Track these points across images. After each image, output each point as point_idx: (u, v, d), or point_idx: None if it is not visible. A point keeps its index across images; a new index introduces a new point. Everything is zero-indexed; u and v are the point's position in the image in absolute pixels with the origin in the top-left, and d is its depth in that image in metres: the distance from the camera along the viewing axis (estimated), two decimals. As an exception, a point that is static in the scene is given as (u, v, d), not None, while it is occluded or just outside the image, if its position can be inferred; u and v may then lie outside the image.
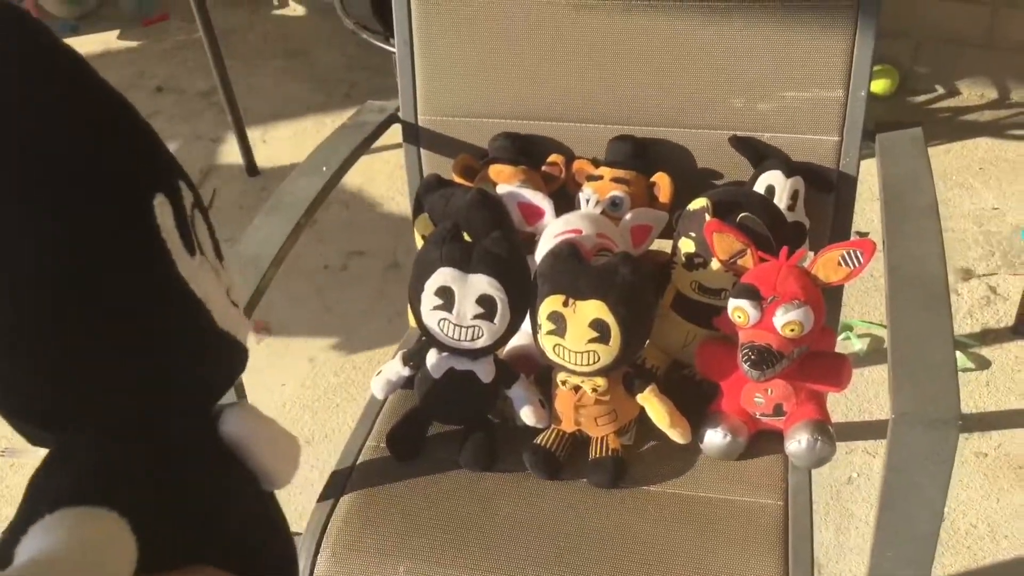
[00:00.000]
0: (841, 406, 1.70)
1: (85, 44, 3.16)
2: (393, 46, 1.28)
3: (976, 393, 1.72)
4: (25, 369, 0.49)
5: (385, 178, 2.41)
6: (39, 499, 0.50)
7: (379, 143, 1.29)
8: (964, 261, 1.98)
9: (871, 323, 1.85)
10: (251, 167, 2.47)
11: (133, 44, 3.14)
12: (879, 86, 2.44)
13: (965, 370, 1.76)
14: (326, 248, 2.22)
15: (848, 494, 1.57)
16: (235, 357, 0.59)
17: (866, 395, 1.73)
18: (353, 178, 2.42)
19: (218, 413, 0.59)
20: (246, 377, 0.98)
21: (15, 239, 0.47)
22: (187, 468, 0.56)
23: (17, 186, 0.47)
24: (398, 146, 1.31)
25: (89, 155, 0.49)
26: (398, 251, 2.19)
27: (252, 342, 1.93)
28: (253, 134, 2.52)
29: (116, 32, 3.20)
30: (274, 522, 0.64)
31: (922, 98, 2.49)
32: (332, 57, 2.95)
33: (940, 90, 2.49)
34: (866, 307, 1.89)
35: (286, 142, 2.60)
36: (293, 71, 2.91)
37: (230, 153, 2.52)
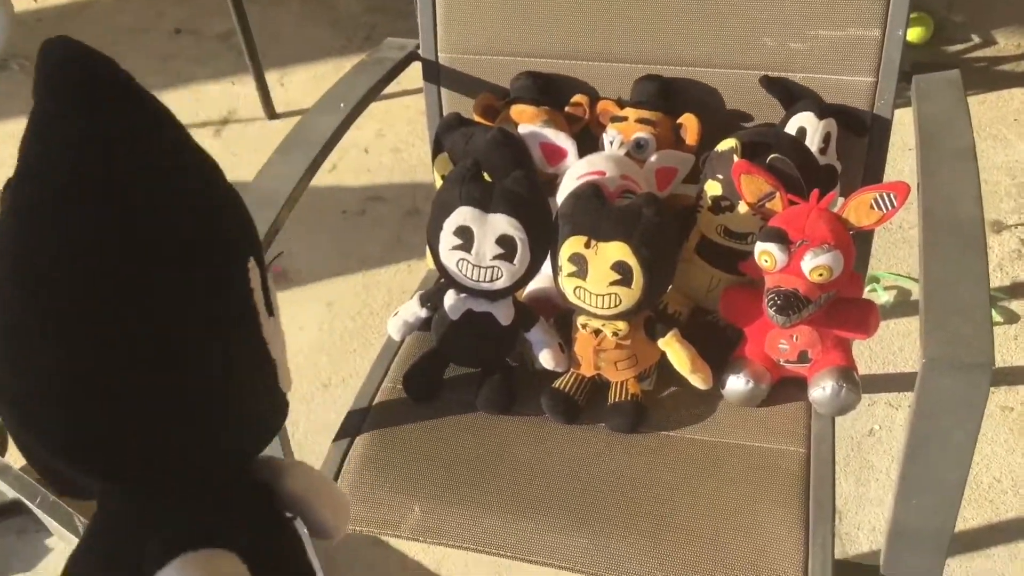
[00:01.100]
0: (865, 358, 1.68)
1: (103, -15, 3.12)
2: (412, -16, 1.24)
3: (1004, 347, 1.69)
4: (111, 413, 0.50)
5: (405, 123, 2.38)
6: (130, 544, 0.52)
7: (399, 87, 1.26)
8: (996, 213, 1.93)
9: (898, 275, 1.82)
10: (270, 111, 2.45)
11: (151, -14, 3.10)
12: (913, 34, 2.37)
13: (994, 324, 1.72)
14: (344, 193, 2.20)
15: (869, 446, 1.55)
16: (282, 413, 0.61)
17: (891, 347, 1.70)
18: (372, 123, 2.39)
19: (271, 466, 0.61)
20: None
21: (125, 301, 0.48)
22: (243, 516, 0.58)
23: (127, 252, 0.48)
24: (418, 91, 1.28)
25: (200, 224, 0.51)
26: (417, 197, 2.16)
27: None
28: (271, 78, 2.49)
29: (135, -26, 3.16)
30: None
31: (957, 47, 2.42)
32: (351, 0, 2.90)
33: (976, 39, 2.42)
34: (894, 259, 1.86)
35: (305, 86, 2.57)
36: (312, 14, 2.86)
37: (248, 96, 2.49)
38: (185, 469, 0.54)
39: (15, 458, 1.59)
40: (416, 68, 1.27)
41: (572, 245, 0.96)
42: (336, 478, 0.99)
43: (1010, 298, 1.77)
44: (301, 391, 1.70)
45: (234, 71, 2.62)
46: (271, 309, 0.56)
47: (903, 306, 1.78)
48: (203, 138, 2.38)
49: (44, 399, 0.49)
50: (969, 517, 1.45)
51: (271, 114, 2.45)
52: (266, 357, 0.56)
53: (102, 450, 0.51)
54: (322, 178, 2.13)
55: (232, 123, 2.44)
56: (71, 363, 0.48)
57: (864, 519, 1.46)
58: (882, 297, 1.79)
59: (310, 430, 1.60)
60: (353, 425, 1.05)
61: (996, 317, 1.74)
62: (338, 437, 1.05)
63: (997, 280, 1.81)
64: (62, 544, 1.50)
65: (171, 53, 2.75)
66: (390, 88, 1.26)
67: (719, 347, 1.06)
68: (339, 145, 1.13)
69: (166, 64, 2.70)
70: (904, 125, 1.10)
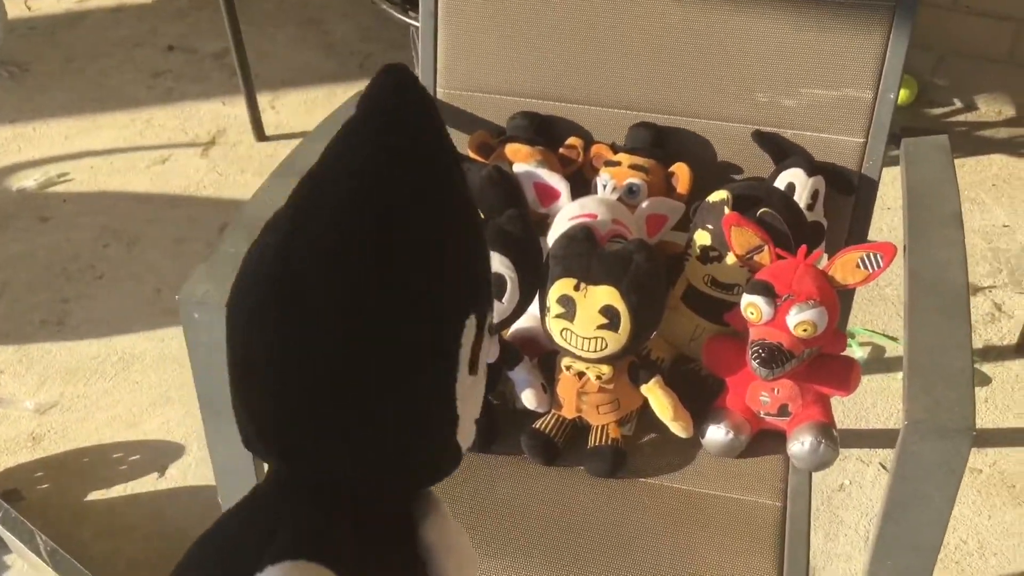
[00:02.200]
0: (838, 413, 1.67)
1: (98, -3, 3.12)
2: (410, 19, 1.26)
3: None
4: (297, 416, 0.55)
5: (394, 153, 2.39)
6: (261, 528, 0.55)
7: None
8: (971, 276, 1.96)
9: (874, 332, 1.84)
10: (259, 132, 2.44)
11: (147, 1, 3.10)
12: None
13: (965, 386, 1.75)
14: (329, 219, 2.19)
15: (839, 501, 1.56)
16: (451, 463, 0.62)
17: (864, 403, 1.72)
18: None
19: (422, 504, 0.63)
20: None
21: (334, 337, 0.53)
22: (382, 548, 0.60)
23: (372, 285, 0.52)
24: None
25: (436, 277, 0.53)
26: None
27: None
28: (262, 100, 2.49)
29: (130, -13, 3.16)
30: None
31: (940, 110, 2.47)
32: (347, 27, 2.91)
33: (958, 104, 2.47)
34: (870, 315, 1.88)
35: (296, 109, 2.57)
36: (307, 39, 2.87)
37: (238, 117, 2.49)
38: (344, 480, 0.57)
39: (-21, 471, 1.57)
40: (412, 102, 1.28)
41: (562, 287, 0.96)
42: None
43: (982, 360, 1.79)
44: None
45: (225, 91, 2.61)
46: (475, 368, 0.58)
47: (877, 363, 1.80)
48: (190, 156, 2.38)
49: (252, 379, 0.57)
50: (936, 578, 1.46)
51: (260, 136, 2.45)
52: (450, 411, 0.57)
53: (274, 433, 0.57)
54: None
55: (220, 142, 2.43)
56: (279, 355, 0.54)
57: (831, 574, 1.46)
58: (857, 353, 1.80)
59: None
60: (330, 455, 1.04)
61: (969, 379, 1.76)
62: (314, 467, 1.03)
63: (971, 342, 1.83)
64: (21, 562, 1.47)
65: (163, 69, 2.74)
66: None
67: (700, 396, 1.06)
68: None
69: (157, 80, 2.69)
70: (885, 185, 1.12)
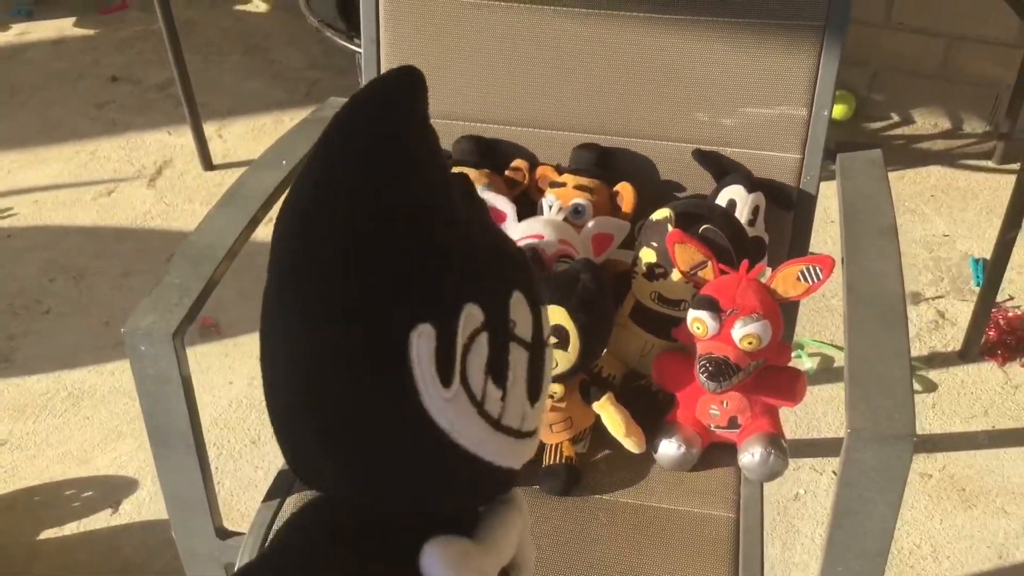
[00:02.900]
0: (790, 423, 1.71)
1: (40, 30, 3.09)
2: (357, 46, 1.26)
3: (922, 415, 1.74)
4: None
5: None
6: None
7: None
8: (914, 285, 2.01)
9: (822, 343, 1.87)
10: (207, 161, 2.43)
11: (89, 32, 3.07)
12: (836, 111, 2.48)
13: (913, 392, 1.78)
14: (280, 247, 2.18)
15: (795, 510, 1.58)
16: (486, 479, 0.58)
17: (815, 413, 1.74)
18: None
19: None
20: (193, 375, 0.96)
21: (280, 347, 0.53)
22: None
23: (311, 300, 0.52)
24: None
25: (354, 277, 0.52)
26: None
27: (198, 340, 1.89)
28: (209, 129, 2.48)
29: (72, 19, 3.13)
30: None
31: (877, 125, 2.54)
32: (293, 55, 2.91)
33: (895, 118, 2.54)
34: (817, 326, 1.91)
35: (243, 138, 2.56)
36: (253, 67, 2.87)
37: (185, 147, 2.47)
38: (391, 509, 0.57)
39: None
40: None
41: (510, 308, 0.97)
42: (264, 540, 0.98)
43: (928, 368, 1.83)
44: (229, 447, 1.67)
45: (171, 121, 2.60)
46: (450, 382, 0.53)
47: (827, 373, 1.83)
48: (137, 187, 2.35)
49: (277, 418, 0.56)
50: (890, 583, 1.48)
51: (208, 165, 2.43)
52: (427, 423, 0.53)
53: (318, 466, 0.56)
54: (261, 231, 2.12)
55: (167, 173, 2.41)
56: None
57: (789, 583, 1.48)
58: (806, 363, 1.83)
59: (236, 488, 1.57)
60: (283, 486, 1.04)
61: (915, 386, 1.80)
62: (268, 497, 1.03)
63: (916, 350, 1.87)
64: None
65: (107, 100, 2.72)
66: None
67: (652, 411, 1.08)
68: (280, 201, 1.13)
69: (101, 111, 2.67)
70: (826, 198, 1.15)
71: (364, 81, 1.25)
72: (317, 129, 1.24)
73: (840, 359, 1.85)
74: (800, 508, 1.59)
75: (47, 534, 1.56)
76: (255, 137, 2.56)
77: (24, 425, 1.75)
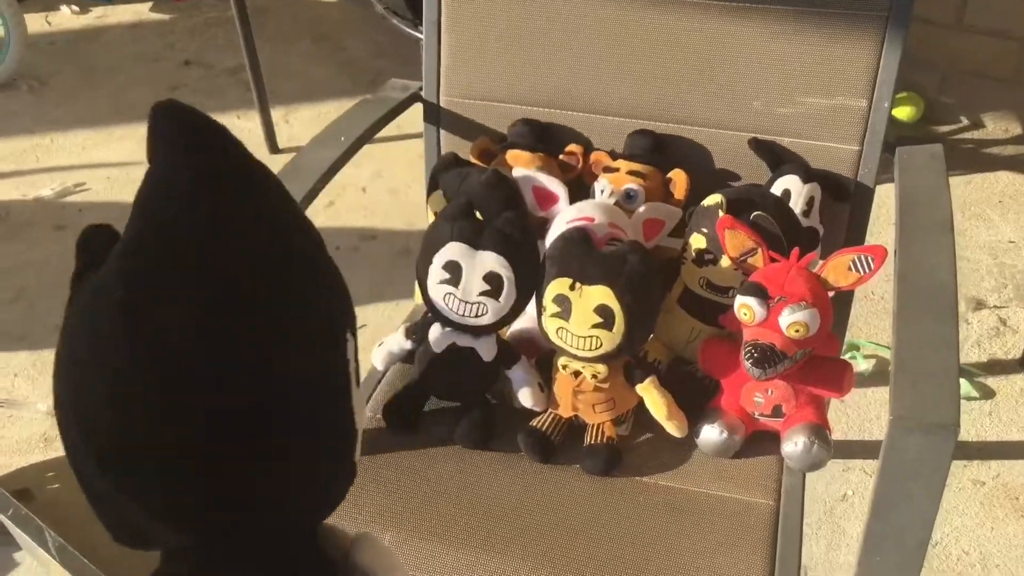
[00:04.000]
0: (842, 424, 1.69)
1: (118, 14, 3.18)
2: (421, 34, 1.28)
3: (979, 422, 1.71)
4: (206, 478, 0.50)
5: (403, 166, 2.42)
6: None
7: (400, 131, 1.29)
8: (976, 291, 1.97)
9: (878, 344, 1.84)
10: (273, 144, 2.49)
11: (165, 17, 3.16)
12: (904, 113, 2.43)
13: (969, 399, 1.75)
14: (339, 230, 2.23)
15: (842, 511, 1.56)
16: (350, 481, 0.60)
17: (868, 415, 1.72)
18: (371, 163, 2.42)
19: (338, 537, 0.61)
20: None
21: (211, 373, 0.48)
22: None
23: (235, 323, 0.48)
24: (418, 135, 1.32)
25: (302, 297, 0.51)
26: (410, 238, 2.19)
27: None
28: (276, 114, 2.53)
29: (149, 4, 3.22)
30: None
31: (946, 128, 2.48)
32: (360, 44, 2.96)
33: (964, 121, 2.48)
34: (875, 328, 1.89)
35: (308, 123, 2.61)
36: (320, 55, 2.92)
37: (253, 131, 2.53)
38: (258, 532, 0.55)
39: (-10, 469, 1.59)
40: (417, 112, 1.31)
41: (557, 286, 0.98)
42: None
43: (986, 374, 1.79)
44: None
45: (240, 105, 2.66)
46: (358, 380, 0.57)
47: (880, 375, 1.80)
48: (204, 167, 2.42)
49: (145, 466, 0.50)
50: (936, 588, 1.46)
51: (274, 148, 2.49)
52: (350, 427, 0.55)
53: (192, 512, 0.52)
54: (319, 213, 2.16)
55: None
56: (174, 431, 0.49)
57: (833, 584, 1.46)
58: (861, 365, 1.81)
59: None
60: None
61: (972, 392, 1.76)
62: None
63: (975, 356, 1.83)
64: (30, 559, 1.49)
65: (179, 83, 2.79)
66: (390, 131, 1.29)
67: (695, 397, 1.08)
68: (338, 182, 1.15)
69: (173, 94, 2.74)
70: (891, 199, 1.13)
71: (425, 62, 1.27)
72: (375, 109, 1.27)
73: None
74: (847, 509, 1.57)
75: (105, 496, 1.61)
76: (320, 123, 2.60)
77: (88, 391, 1.82)
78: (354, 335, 0.56)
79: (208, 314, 0.48)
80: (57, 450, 1.70)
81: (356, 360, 0.56)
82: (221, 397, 0.49)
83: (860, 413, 1.72)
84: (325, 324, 0.53)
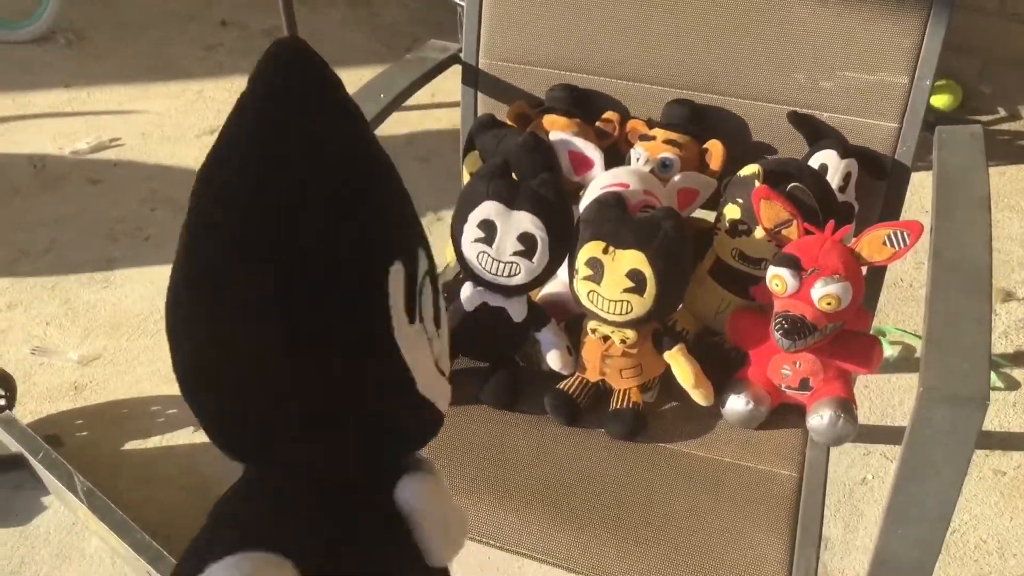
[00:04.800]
0: (864, 408, 1.69)
1: (156, -27, 3.19)
2: (458, 0, 1.28)
3: (1003, 413, 1.70)
4: (243, 402, 0.52)
5: (436, 134, 2.42)
6: (220, 531, 0.53)
7: (433, 99, 1.30)
8: (1006, 283, 1.95)
9: (905, 331, 1.83)
10: (305, 108, 2.49)
11: (202, -23, 3.17)
12: (941, 101, 2.41)
13: (995, 389, 1.74)
14: (369, 195, 2.23)
15: (861, 494, 1.56)
16: (428, 424, 0.59)
17: (891, 401, 1.72)
18: (404, 129, 2.43)
19: (400, 475, 0.59)
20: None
21: (257, 296, 0.50)
22: (357, 524, 0.57)
23: (266, 242, 0.50)
24: (452, 104, 1.32)
25: (338, 224, 0.51)
26: (440, 205, 2.20)
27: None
28: (310, 77, 2.54)
29: (187, -36, 3.23)
30: None
31: (983, 118, 2.46)
32: (396, 10, 2.96)
33: (1002, 112, 2.45)
34: (902, 315, 1.88)
35: (342, 89, 2.62)
36: (356, 20, 2.93)
37: (286, 93, 2.54)
38: (299, 459, 0.55)
39: (21, 413, 1.62)
40: (452, 80, 1.31)
41: (590, 249, 0.98)
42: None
43: (1013, 366, 1.78)
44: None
45: (274, 67, 2.67)
46: (418, 316, 0.55)
47: (907, 362, 1.79)
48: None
49: (199, 386, 0.54)
50: (954, 574, 1.46)
51: (306, 111, 2.50)
52: (397, 360, 0.54)
53: (228, 432, 0.54)
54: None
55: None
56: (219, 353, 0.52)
57: (848, 564, 1.46)
58: (887, 350, 1.80)
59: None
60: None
61: (998, 383, 1.75)
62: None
63: (1002, 347, 1.82)
64: (58, 503, 1.52)
65: (215, 43, 2.81)
66: (424, 98, 1.29)
67: (723, 367, 1.08)
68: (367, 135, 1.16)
69: (209, 53, 2.76)
70: (925, 187, 1.12)
71: (463, 27, 1.27)
72: (413, 68, 1.27)
73: (921, 349, 1.81)
74: (867, 492, 1.57)
75: (131, 445, 1.64)
76: (352, 87, 2.61)
77: (118, 342, 1.84)
78: (408, 269, 0.54)
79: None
80: (87, 399, 1.73)
81: (415, 295, 0.55)
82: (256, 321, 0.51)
83: (883, 399, 1.72)
84: (360, 255, 0.52)
